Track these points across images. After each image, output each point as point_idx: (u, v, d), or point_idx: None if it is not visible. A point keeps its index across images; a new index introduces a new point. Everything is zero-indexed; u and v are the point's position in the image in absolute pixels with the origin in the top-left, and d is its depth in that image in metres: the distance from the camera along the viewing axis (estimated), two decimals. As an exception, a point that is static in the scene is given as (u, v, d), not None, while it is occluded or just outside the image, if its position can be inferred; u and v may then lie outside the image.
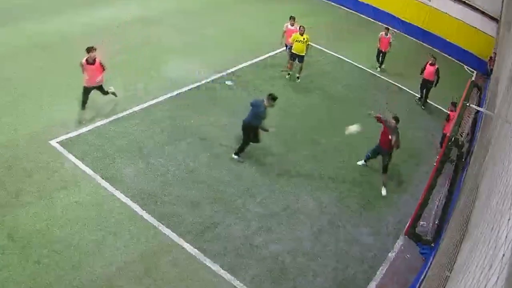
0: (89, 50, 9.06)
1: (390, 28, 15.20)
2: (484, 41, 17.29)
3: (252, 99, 9.21)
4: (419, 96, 13.55)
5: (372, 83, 14.17)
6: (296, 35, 12.36)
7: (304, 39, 12.31)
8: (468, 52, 17.56)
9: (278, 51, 13.93)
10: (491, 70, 16.33)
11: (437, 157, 8.66)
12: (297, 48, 12.43)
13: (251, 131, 9.04)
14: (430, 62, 12.87)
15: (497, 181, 4.00)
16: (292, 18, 13.00)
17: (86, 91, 9.34)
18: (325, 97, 12.66)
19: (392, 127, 9.01)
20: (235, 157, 9.19)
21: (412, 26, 19.15)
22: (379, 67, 14.97)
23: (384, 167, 9.33)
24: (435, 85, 12.93)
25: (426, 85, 13.09)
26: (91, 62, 9.07)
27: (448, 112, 10.87)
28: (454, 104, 10.64)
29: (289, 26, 12.98)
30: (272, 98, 8.89)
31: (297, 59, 12.64)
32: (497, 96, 8.70)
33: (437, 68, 12.74)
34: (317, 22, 17.99)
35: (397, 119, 9.13)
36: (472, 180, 6.88)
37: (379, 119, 9.16)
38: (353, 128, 9.13)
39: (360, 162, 9.92)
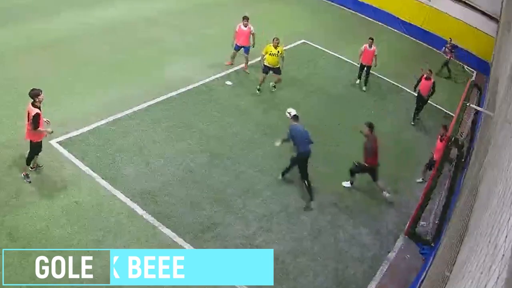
0: (37, 93, 6.77)
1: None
2: (484, 41, 17.28)
3: (293, 129, 8.46)
4: (416, 110, 12.29)
5: (372, 83, 14.15)
6: (270, 47, 11.21)
7: (278, 52, 11.20)
8: (468, 52, 17.55)
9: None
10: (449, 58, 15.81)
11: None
12: (271, 61, 11.30)
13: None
14: (425, 76, 11.67)
15: (497, 181, 4.00)
16: (245, 18, 11.97)
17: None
18: (325, 97, 12.65)
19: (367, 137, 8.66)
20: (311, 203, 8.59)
21: (412, 26, 19.14)
22: (359, 80, 13.48)
23: (373, 178, 8.95)
24: (429, 97, 11.98)
25: (421, 99, 11.98)
26: (38, 107, 6.94)
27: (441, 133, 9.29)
28: (445, 127, 9.16)
29: (242, 27, 11.98)
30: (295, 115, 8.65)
31: (272, 72, 11.55)
32: (497, 96, 8.70)
33: (434, 82, 11.76)
34: (317, 22, 18.01)
35: (369, 125, 8.64)
36: (472, 180, 6.88)
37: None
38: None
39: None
